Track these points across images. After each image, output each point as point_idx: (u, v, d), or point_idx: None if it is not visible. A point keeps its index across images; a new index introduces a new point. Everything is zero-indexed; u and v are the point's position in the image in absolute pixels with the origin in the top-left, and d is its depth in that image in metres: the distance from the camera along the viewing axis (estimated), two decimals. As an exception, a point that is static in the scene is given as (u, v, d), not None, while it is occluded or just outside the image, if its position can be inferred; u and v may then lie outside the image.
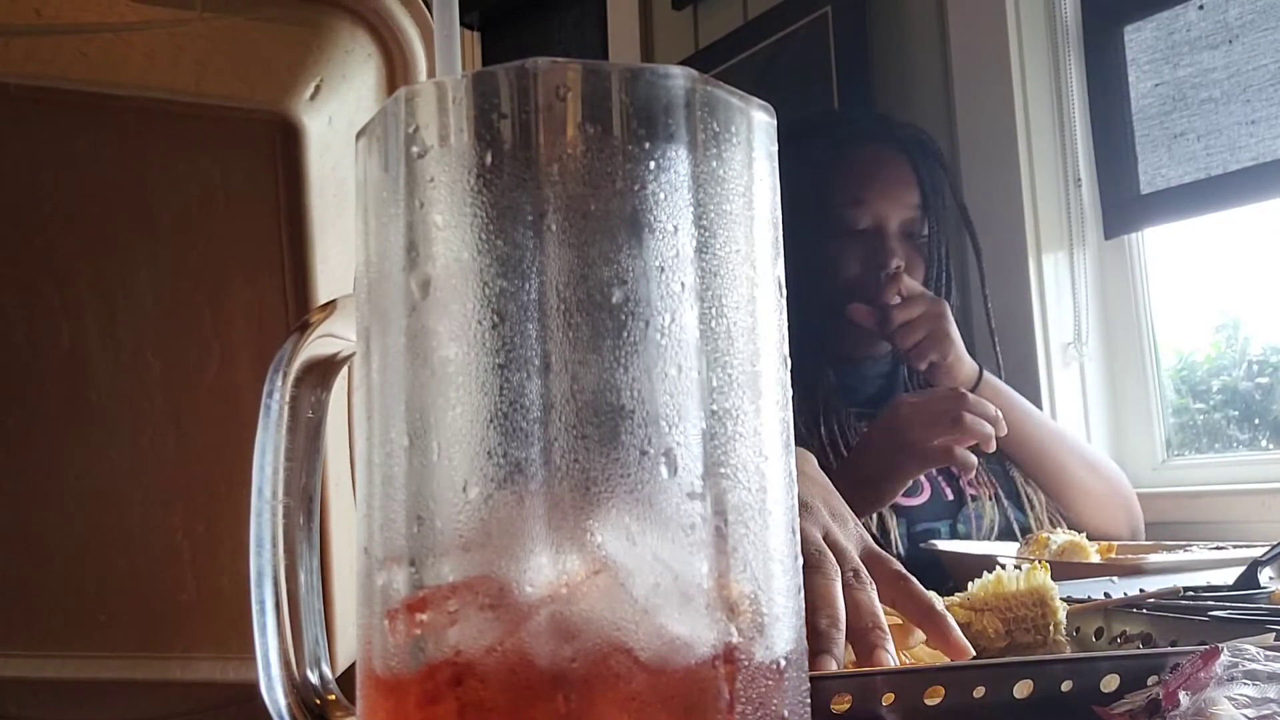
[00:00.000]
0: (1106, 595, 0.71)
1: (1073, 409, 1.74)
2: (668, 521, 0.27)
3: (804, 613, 0.31)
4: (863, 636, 0.55)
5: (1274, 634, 0.52)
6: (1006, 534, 1.36)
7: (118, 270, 0.47)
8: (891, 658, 0.53)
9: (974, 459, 1.17)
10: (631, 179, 0.27)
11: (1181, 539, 1.23)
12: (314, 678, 0.34)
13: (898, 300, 1.37)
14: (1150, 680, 0.43)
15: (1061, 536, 1.08)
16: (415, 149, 0.28)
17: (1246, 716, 0.36)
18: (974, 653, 0.56)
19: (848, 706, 0.42)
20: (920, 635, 0.59)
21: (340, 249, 0.49)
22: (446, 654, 0.27)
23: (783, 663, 0.29)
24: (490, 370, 0.27)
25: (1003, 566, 0.67)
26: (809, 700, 0.30)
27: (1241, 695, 0.37)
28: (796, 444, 0.32)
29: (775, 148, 0.31)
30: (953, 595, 0.65)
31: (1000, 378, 1.47)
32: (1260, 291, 1.69)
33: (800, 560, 0.31)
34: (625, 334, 0.27)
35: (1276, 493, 1.50)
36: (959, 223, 1.56)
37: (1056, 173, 1.77)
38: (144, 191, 0.47)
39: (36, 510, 0.48)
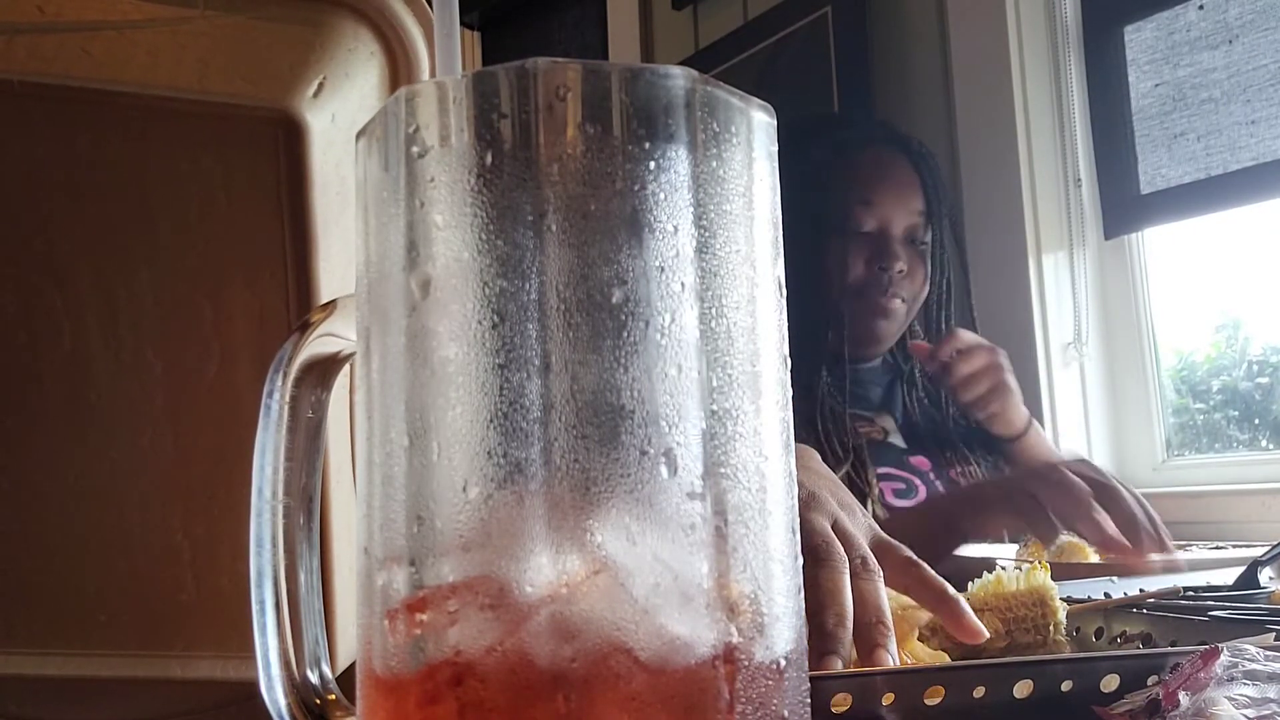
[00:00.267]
0: (1106, 595, 0.71)
1: (1073, 409, 1.74)
2: (668, 521, 0.27)
3: (804, 612, 0.31)
4: (865, 633, 0.54)
5: (1274, 634, 0.52)
6: None
7: (119, 269, 0.47)
8: (892, 657, 0.53)
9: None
10: (631, 179, 0.27)
11: (1181, 539, 1.22)
12: (314, 677, 0.34)
13: (956, 353, 1.37)
14: (1150, 680, 0.43)
15: (1061, 537, 1.07)
16: (415, 149, 0.28)
17: (1246, 716, 0.36)
18: (989, 635, 0.57)
19: (848, 706, 0.42)
20: (924, 618, 0.59)
21: (342, 248, 0.49)
22: (446, 654, 0.27)
23: (783, 663, 0.29)
24: (490, 370, 0.27)
25: (1003, 567, 0.67)
26: (809, 700, 0.30)
27: (1241, 695, 0.37)
28: (795, 443, 0.32)
29: (775, 148, 0.31)
30: (953, 595, 0.65)
31: None
32: (1260, 291, 1.69)
33: (800, 560, 0.31)
34: (625, 334, 0.27)
35: (1276, 493, 1.50)
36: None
37: (1056, 173, 1.78)
38: (146, 190, 0.47)
39: (36, 510, 0.48)
